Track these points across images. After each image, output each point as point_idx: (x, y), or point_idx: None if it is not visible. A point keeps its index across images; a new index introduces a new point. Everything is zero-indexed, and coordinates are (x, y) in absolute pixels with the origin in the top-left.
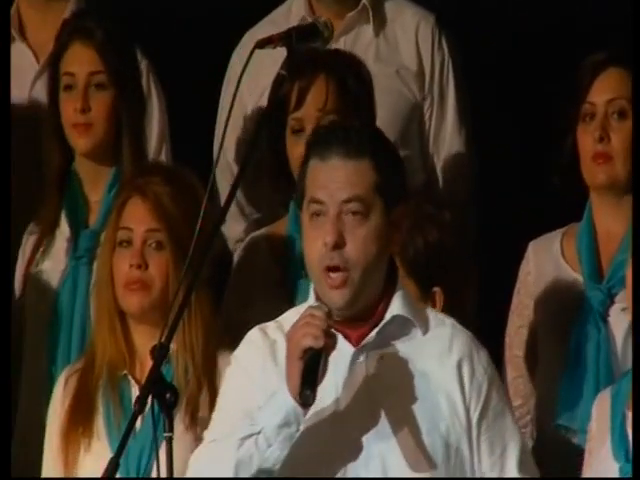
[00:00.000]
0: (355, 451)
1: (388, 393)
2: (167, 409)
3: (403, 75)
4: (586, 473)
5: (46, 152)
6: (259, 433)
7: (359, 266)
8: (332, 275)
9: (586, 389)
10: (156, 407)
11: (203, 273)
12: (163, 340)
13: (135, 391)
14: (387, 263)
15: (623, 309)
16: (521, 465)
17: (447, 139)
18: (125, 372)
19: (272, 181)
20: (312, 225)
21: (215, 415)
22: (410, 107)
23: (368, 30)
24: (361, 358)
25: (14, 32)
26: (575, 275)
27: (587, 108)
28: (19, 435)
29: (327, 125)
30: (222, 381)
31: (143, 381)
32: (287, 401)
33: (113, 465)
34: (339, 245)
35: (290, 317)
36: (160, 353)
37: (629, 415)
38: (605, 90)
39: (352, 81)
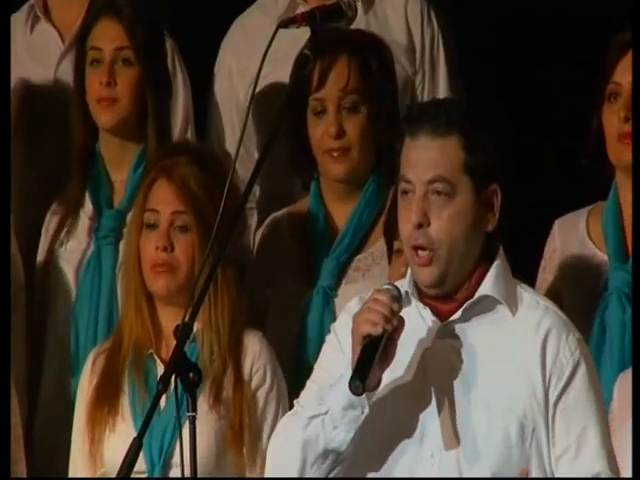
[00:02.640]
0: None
1: (467, 371)
2: (190, 388)
3: (394, 51)
4: None
5: (71, 131)
6: (326, 413)
7: (444, 245)
8: (420, 253)
9: (611, 369)
10: (179, 386)
11: (228, 253)
12: (187, 320)
13: (161, 371)
14: (481, 241)
15: None
16: (598, 452)
17: None
18: (151, 351)
19: (293, 162)
20: (403, 203)
21: (307, 383)
22: (402, 82)
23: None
24: (447, 334)
25: (39, 12)
26: (600, 254)
27: (612, 88)
28: (43, 415)
29: (421, 103)
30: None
31: None
32: None
33: (136, 445)
34: (423, 225)
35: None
36: (183, 333)
37: None
38: (630, 70)
39: (374, 61)
